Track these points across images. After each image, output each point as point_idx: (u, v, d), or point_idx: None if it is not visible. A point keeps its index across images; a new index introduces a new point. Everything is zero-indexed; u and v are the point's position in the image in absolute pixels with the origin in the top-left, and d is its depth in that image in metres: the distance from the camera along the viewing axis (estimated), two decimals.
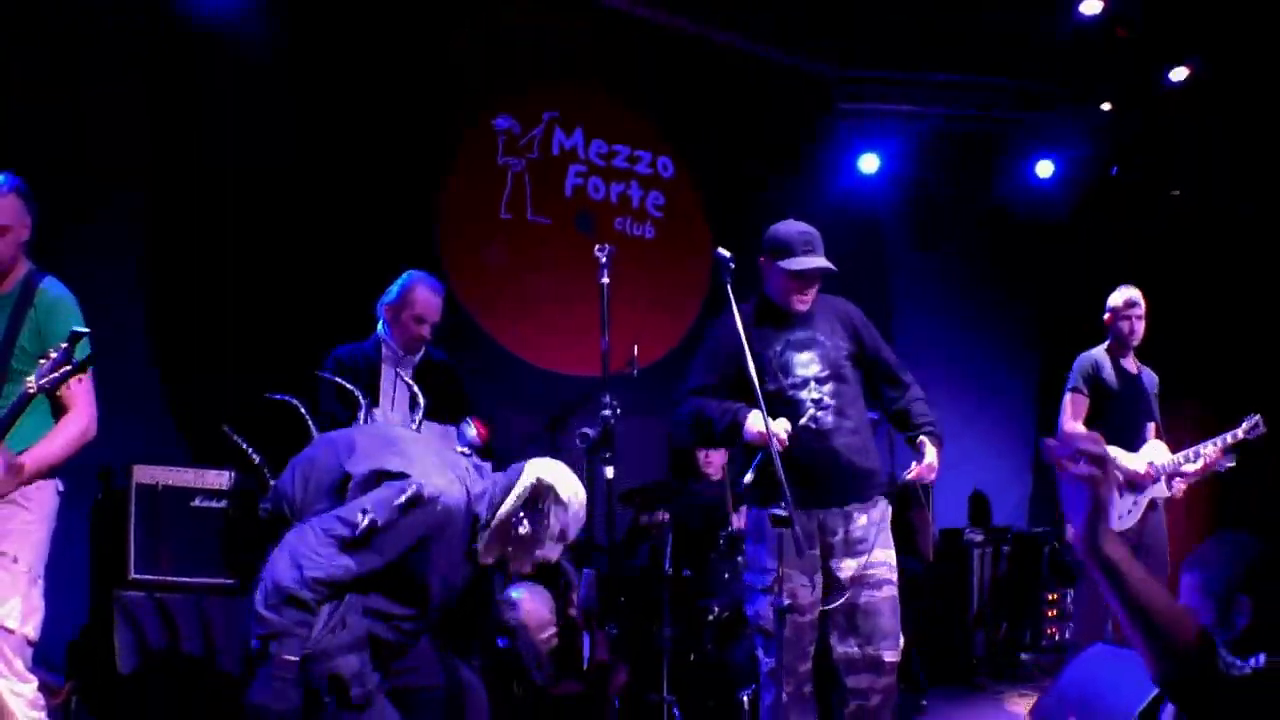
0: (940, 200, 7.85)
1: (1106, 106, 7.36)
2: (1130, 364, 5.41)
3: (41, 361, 3.22)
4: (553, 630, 3.50)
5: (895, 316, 7.69)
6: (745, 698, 4.82)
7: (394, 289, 4.49)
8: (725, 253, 3.45)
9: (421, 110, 6.21)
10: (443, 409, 4.35)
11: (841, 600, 3.89)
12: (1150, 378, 5.46)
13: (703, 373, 3.96)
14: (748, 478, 3.69)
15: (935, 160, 7.78)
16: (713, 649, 5.14)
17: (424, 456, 3.12)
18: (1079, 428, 5.24)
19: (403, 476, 2.99)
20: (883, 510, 4.00)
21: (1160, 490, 5.23)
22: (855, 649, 3.89)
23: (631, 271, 6.55)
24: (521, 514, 3.13)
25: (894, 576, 3.93)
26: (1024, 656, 7.06)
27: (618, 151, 7.06)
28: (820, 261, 3.93)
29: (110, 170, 5.24)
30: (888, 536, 3.96)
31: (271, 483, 3.26)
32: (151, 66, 5.39)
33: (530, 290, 6.56)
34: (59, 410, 3.45)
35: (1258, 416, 5.20)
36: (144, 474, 4.49)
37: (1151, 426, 5.36)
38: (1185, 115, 7.17)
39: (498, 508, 3.12)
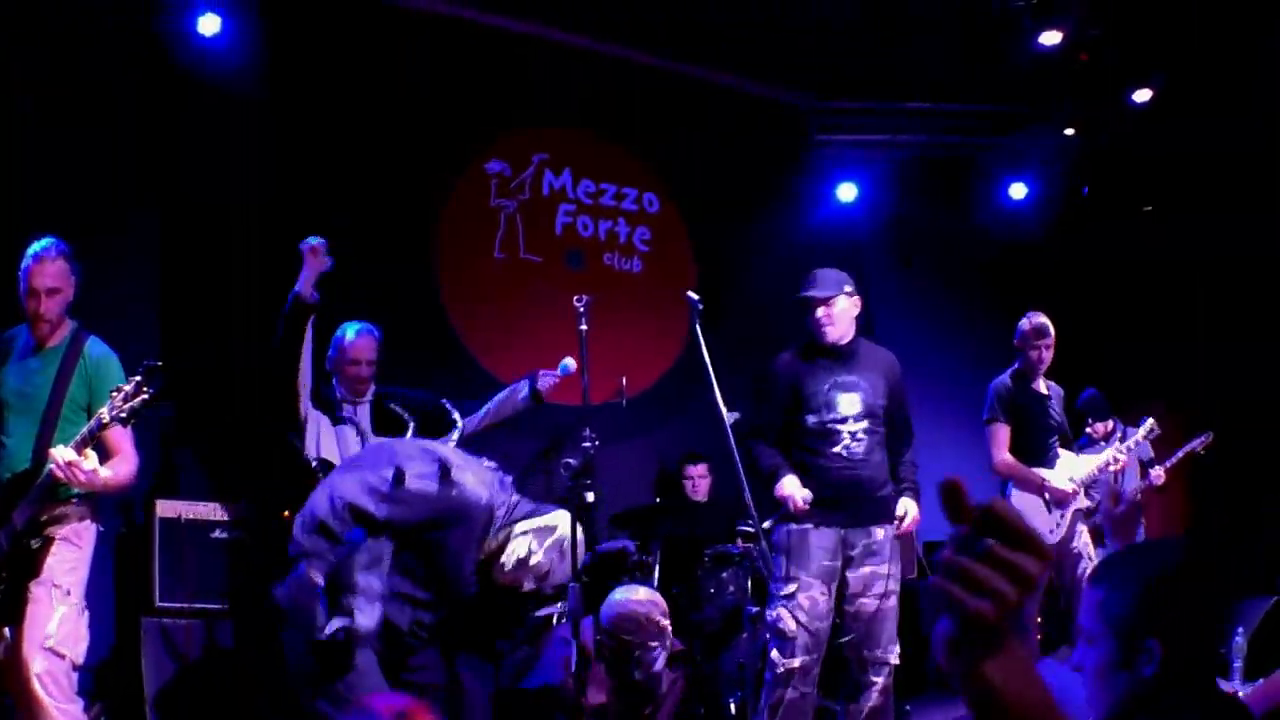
0: (918, 225, 8.07)
1: (1070, 131, 7.60)
2: (1040, 385, 5.50)
3: (113, 394, 3.48)
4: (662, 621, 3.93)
5: (876, 339, 7.91)
6: (733, 704, 5.13)
7: (331, 346, 4.87)
8: (694, 296, 3.81)
9: (417, 156, 6.50)
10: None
11: (854, 604, 4.43)
12: (1056, 392, 5.60)
13: (761, 412, 4.64)
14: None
15: (912, 186, 7.95)
16: (701, 659, 5.45)
17: (458, 456, 3.61)
18: (1008, 457, 5.42)
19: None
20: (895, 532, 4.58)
21: (1082, 501, 5.43)
22: (864, 650, 4.43)
23: (621, 304, 6.84)
24: (531, 539, 3.53)
25: (897, 589, 4.51)
26: None
27: (605, 189, 7.29)
28: (809, 291, 4.52)
29: (121, 195, 5.57)
30: (898, 554, 4.55)
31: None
32: (142, 102, 5.61)
33: (524, 326, 6.78)
34: (104, 455, 3.61)
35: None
36: (167, 508, 4.83)
37: (1057, 440, 5.53)
38: (1151, 134, 7.42)
39: (514, 521, 3.54)
